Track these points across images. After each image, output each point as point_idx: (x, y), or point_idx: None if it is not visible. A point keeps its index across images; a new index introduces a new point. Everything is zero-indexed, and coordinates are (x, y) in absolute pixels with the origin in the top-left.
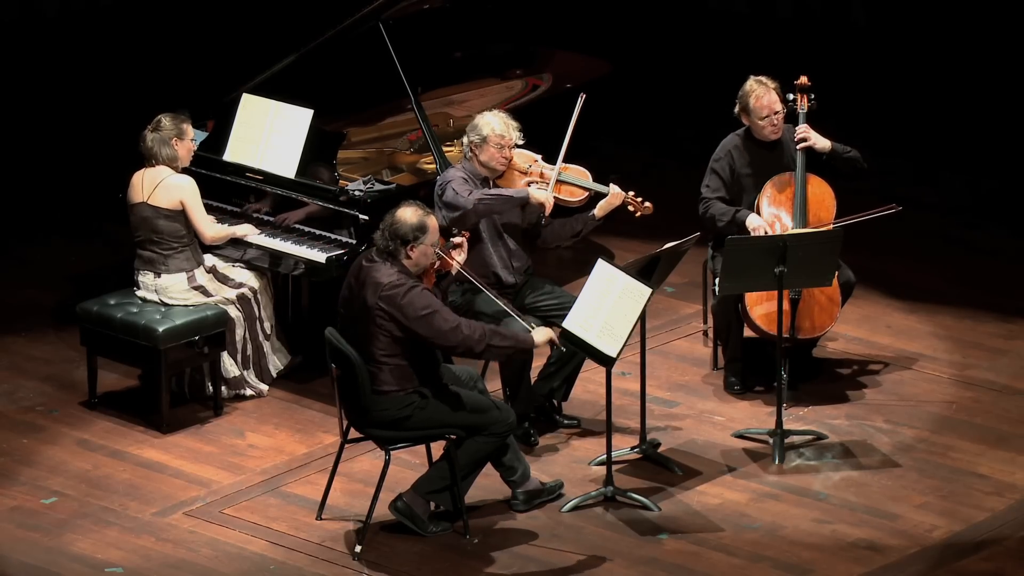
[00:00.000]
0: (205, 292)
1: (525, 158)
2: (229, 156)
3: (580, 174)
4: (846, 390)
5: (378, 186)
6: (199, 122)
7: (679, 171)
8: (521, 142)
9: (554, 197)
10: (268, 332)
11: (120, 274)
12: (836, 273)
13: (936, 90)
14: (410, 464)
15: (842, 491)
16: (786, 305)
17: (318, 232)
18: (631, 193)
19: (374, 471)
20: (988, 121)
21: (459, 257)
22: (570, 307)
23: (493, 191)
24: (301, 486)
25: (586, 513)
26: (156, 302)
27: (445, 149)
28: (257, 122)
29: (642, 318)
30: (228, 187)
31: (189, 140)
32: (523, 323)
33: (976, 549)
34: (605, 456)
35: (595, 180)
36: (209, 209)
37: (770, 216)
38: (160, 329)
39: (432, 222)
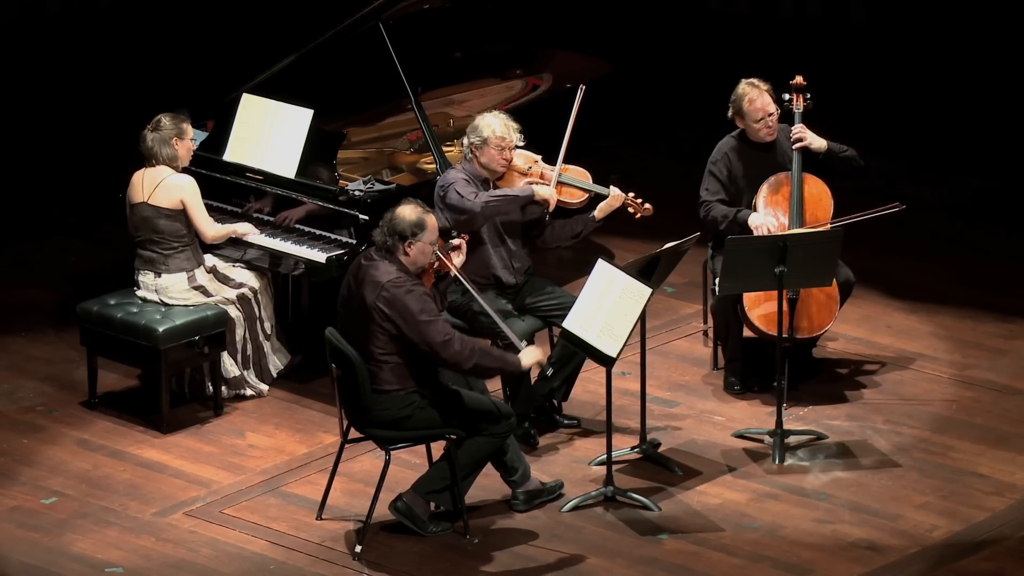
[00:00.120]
0: (205, 292)
1: (525, 159)
2: (229, 156)
3: (580, 175)
4: (846, 390)
5: (378, 186)
6: (199, 122)
7: (679, 171)
8: (522, 143)
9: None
10: (268, 332)
11: (120, 274)
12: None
13: (936, 90)
14: (410, 464)
15: (842, 491)
16: (784, 305)
17: (318, 232)
18: (631, 195)
19: (374, 471)
20: (988, 121)
21: (457, 259)
22: (570, 307)
23: (498, 192)
24: (301, 486)
25: (586, 513)
26: (156, 302)
27: (445, 149)
28: (257, 122)
29: (642, 318)
30: (228, 187)
31: (189, 140)
32: (512, 336)
33: (976, 549)
34: (605, 456)
35: (595, 181)
36: (209, 209)
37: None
38: (160, 329)
39: (431, 220)
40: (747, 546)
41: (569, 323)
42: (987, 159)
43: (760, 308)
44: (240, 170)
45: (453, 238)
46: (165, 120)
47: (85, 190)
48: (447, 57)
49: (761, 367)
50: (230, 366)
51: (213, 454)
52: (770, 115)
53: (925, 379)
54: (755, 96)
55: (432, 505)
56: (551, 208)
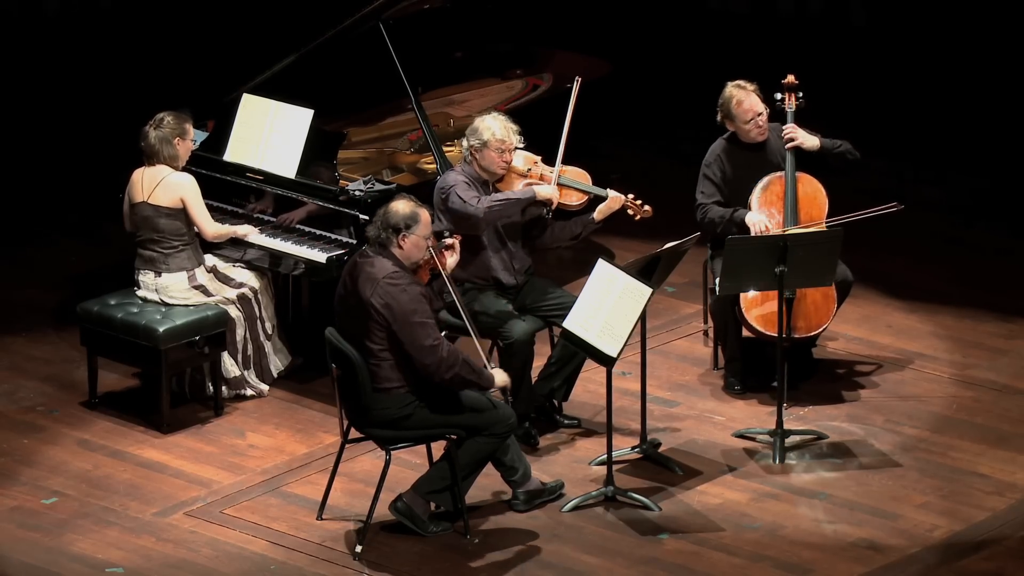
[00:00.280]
0: (206, 292)
1: (525, 160)
2: (229, 156)
3: (580, 176)
4: (846, 390)
5: (378, 186)
6: (199, 122)
7: (679, 171)
8: (521, 145)
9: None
10: (269, 332)
11: (120, 274)
12: None
13: (936, 90)
14: (410, 464)
15: (842, 491)
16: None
17: (318, 232)
18: (630, 196)
19: (375, 471)
20: (988, 121)
21: (451, 259)
22: (570, 307)
23: (500, 196)
24: (302, 486)
25: (587, 513)
26: (156, 302)
27: (445, 149)
28: (257, 122)
29: (642, 318)
30: (228, 187)
31: (190, 140)
32: (481, 350)
33: (977, 549)
34: (605, 456)
35: (595, 181)
36: (209, 209)
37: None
38: (161, 329)
39: (424, 215)
40: (747, 546)
41: (569, 323)
42: (987, 159)
43: (757, 309)
44: (240, 170)
45: (446, 237)
46: (169, 119)
47: (85, 190)
48: (447, 57)
49: (761, 367)
50: (230, 366)
51: (213, 454)
52: (759, 115)
53: (925, 379)
54: (742, 97)
55: (432, 505)
56: (554, 206)
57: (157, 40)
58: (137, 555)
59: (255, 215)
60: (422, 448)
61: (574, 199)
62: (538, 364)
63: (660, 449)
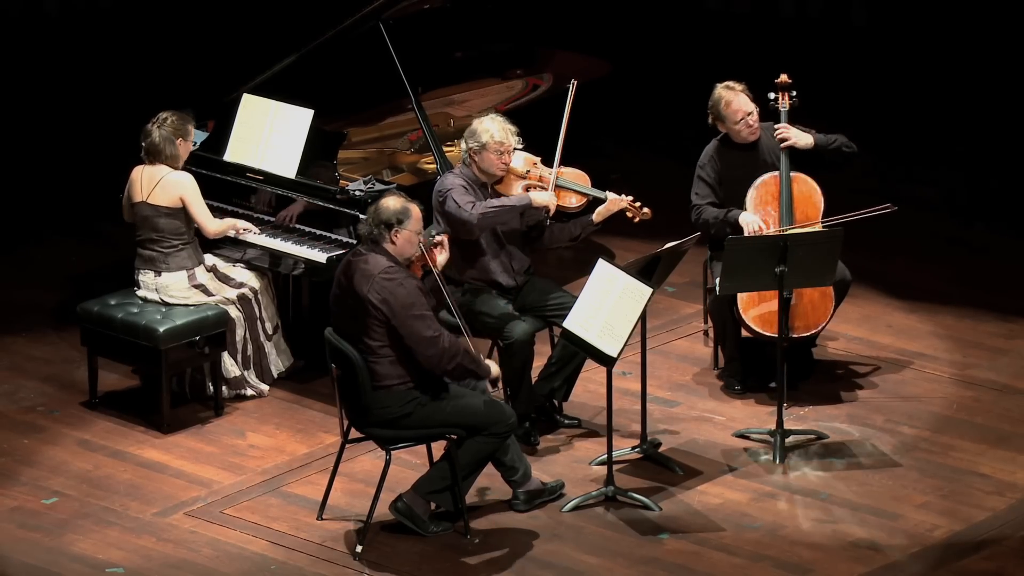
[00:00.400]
0: (206, 291)
1: (524, 161)
2: (229, 156)
3: (579, 178)
4: (846, 390)
5: (378, 186)
6: (199, 122)
7: (679, 171)
8: (520, 146)
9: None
10: (269, 332)
11: (120, 274)
12: None
13: (936, 90)
14: (411, 464)
15: (843, 491)
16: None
17: (318, 232)
18: (630, 198)
19: (375, 471)
20: (988, 120)
21: (441, 256)
22: (571, 307)
23: (495, 202)
24: (302, 486)
25: (587, 513)
26: (157, 302)
27: (445, 149)
28: (257, 122)
29: (642, 318)
30: (228, 187)
31: (191, 141)
32: (472, 347)
33: (977, 549)
34: (606, 456)
35: (595, 182)
36: (209, 209)
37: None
38: (161, 329)
39: (415, 210)
40: (748, 546)
41: (569, 323)
42: (987, 158)
43: (755, 309)
44: (240, 170)
45: (435, 235)
46: (172, 118)
47: (86, 190)
48: (447, 57)
49: (761, 367)
50: (231, 366)
51: (214, 454)
52: (748, 114)
53: (925, 379)
54: (731, 98)
55: (432, 505)
56: (551, 213)
57: (157, 40)
58: (137, 555)
59: (255, 215)
60: (422, 448)
61: (573, 201)
62: (538, 364)
63: (660, 449)
